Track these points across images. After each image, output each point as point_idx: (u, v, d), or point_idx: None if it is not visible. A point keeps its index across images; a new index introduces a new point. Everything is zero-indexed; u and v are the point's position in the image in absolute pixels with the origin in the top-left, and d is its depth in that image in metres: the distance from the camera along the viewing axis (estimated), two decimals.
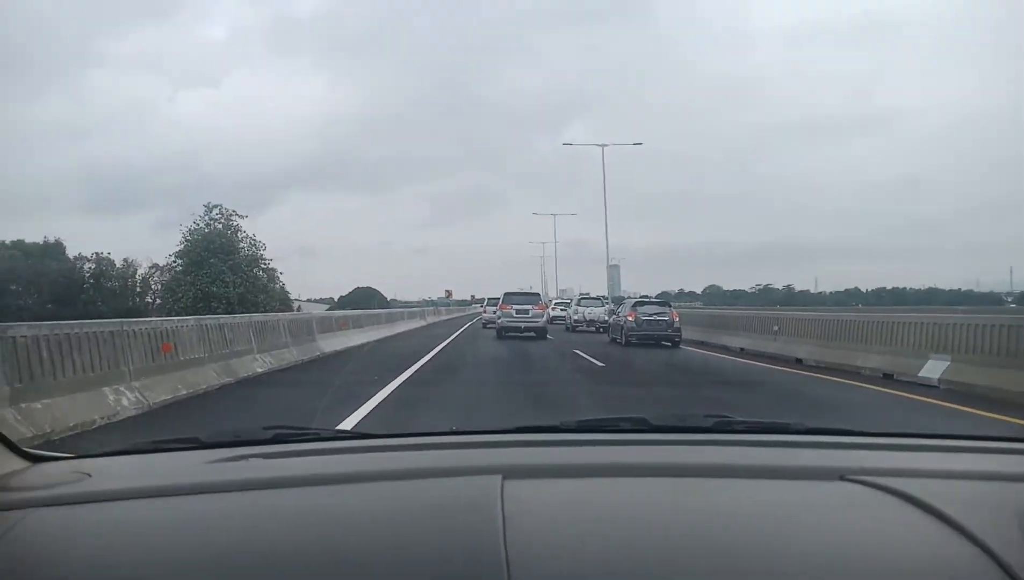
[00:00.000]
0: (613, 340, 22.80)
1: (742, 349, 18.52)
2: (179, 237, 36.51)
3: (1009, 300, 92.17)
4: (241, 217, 38.36)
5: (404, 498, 1.27)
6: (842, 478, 1.31)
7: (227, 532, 1.13)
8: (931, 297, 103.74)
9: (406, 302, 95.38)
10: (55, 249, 52.49)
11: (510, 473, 1.30)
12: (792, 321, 17.12)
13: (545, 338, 23.76)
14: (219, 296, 34.27)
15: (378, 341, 22.04)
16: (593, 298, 35.53)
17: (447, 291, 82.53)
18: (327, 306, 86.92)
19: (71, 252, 50.55)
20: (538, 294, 29.08)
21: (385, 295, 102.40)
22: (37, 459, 1.54)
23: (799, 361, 15.30)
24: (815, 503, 1.24)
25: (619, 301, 32.31)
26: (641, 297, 26.40)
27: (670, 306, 22.22)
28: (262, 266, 38.23)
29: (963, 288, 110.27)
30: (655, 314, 21.09)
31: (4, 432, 1.49)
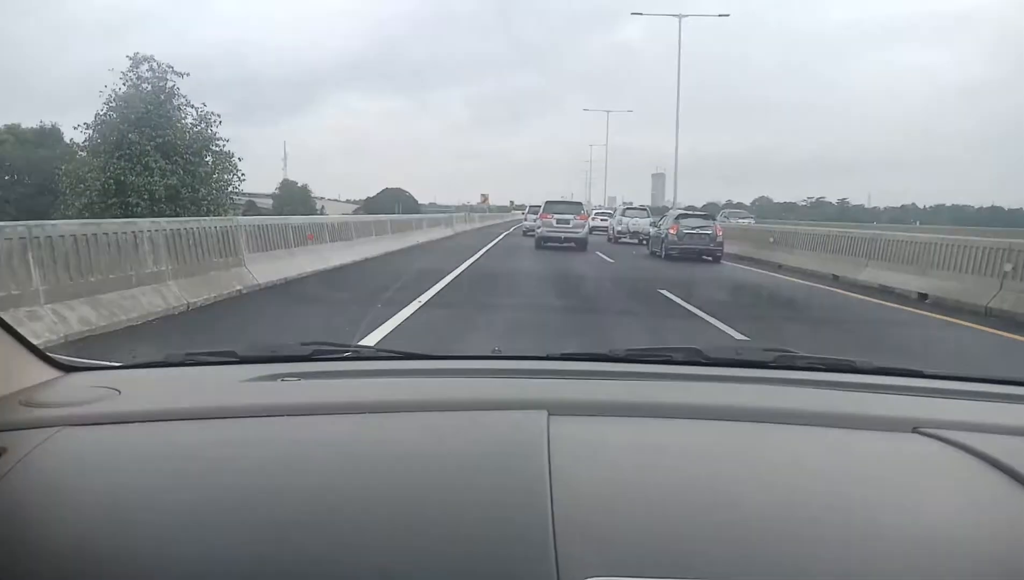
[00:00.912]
0: (653, 253, 22.71)
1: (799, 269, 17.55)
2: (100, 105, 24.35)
3: None
4: (180, 75, 25.85)
5: (447, 430, 1.23)
6: (915, 430, 1.23)
7: (261, 460, 1.11)
8: (994, 215, 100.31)
9: (444, 206, 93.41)
10: (51, 135, 48.73)
11: (556, 409, 1.27)
12: (849, 239, 16.46)
13: (585, 250, 23.22)
14: (139, 188, 23.55)
15: (361, 261, 16.07)
16: (637, 209, 34.90)
17: (483, 196, 75.30)
18: (354, 209, 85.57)
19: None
20: (580, 203, 28.11)
21: (417, 199, 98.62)
22: (68, 369, 1.52)
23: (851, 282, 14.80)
24: (887, 457, 1.17)
25: (660, 212, 31.73)
26: (686, 209, 26.04)
27: (714, 220, 21.94)
28: (212, 149, 26.28)
29: (1019, 207, 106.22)
30: (698, 228, 20.83)
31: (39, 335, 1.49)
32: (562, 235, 23.73)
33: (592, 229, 28.68)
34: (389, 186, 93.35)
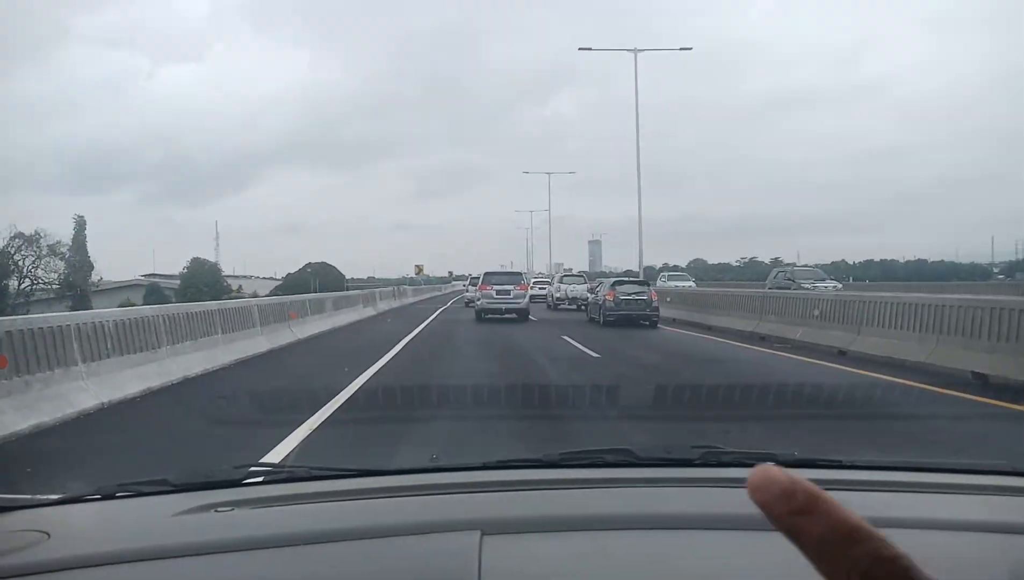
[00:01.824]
0: (591, 319, 23.19)
1: (738, 331, 17.82)
2: None
3: (996, 271, 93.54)
4: None
5: (381, 560, 1.26)
6: None
7: None
8: (919, 269, 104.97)
9: (384, 280, 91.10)
10: None
11: (490, 527, 1.30)
12: (782, 300, 16.97)
13: (525, 320, 23.05)
14: None
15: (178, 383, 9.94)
16: (575, 275, 36.20)
17: (417, 266, 65.20)
18: (274, 286, 78.73)
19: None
20: (520, 273, 27.59)
21: (355, 273, 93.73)
22: None
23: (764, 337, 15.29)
24: (803, 560, 1.21)
25: (597, 278, 32.24)
26: (625, 273, 26.68)
27: (649, 285, 22.64)
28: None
29: (945, 259, 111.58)
30: (634, 294, 21.43)
31: None
32: (502, 306, 23.40)
33: (532, 297, 28.87)
34: (324, 261, 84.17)
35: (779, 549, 1.18)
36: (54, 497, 1.63)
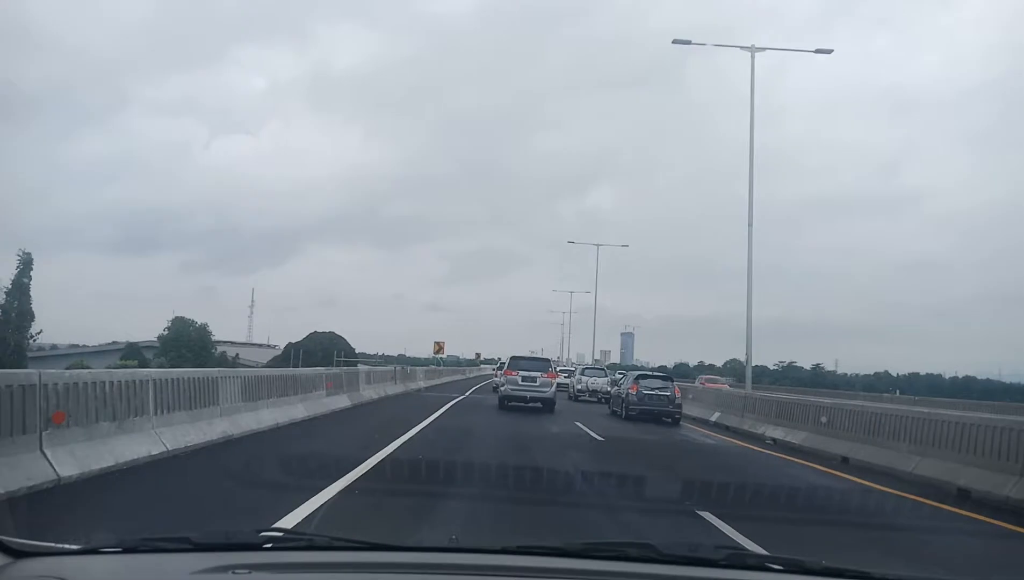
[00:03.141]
0: (613, 412, 23.04)
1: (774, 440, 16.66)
2: None
3: None
4: None
5: None
6: None
7: None
8: (968, 385, 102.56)
9: (412, 358, 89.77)
10: None
11: None
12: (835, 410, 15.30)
13: (552, 411, 21.62)
14: None
15: None
16: (596, 368, 38.07)
17: (437, 344, 47.03)
18: (272, 357, 72.84)
19: None
20: (548, 360, 26.65)
21: (382, 351, 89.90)
22: (19, 554, 1.53)
23: (845, 460, 13.56)
24: None
25: (615, 370, 32.63)
26: (657, 369, 26.63)
27: (672, 381, 22.55)
28: None
29: (991, 377, 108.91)
30: (657, 389, 21.38)
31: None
32: (527, 394, 22.28)
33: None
34: (334, 333, 72.88)
35: None
36: (76, 547, 1.64)
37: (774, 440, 16.59)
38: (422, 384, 33.24)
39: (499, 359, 39.96)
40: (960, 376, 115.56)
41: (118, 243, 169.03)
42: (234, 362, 52.19)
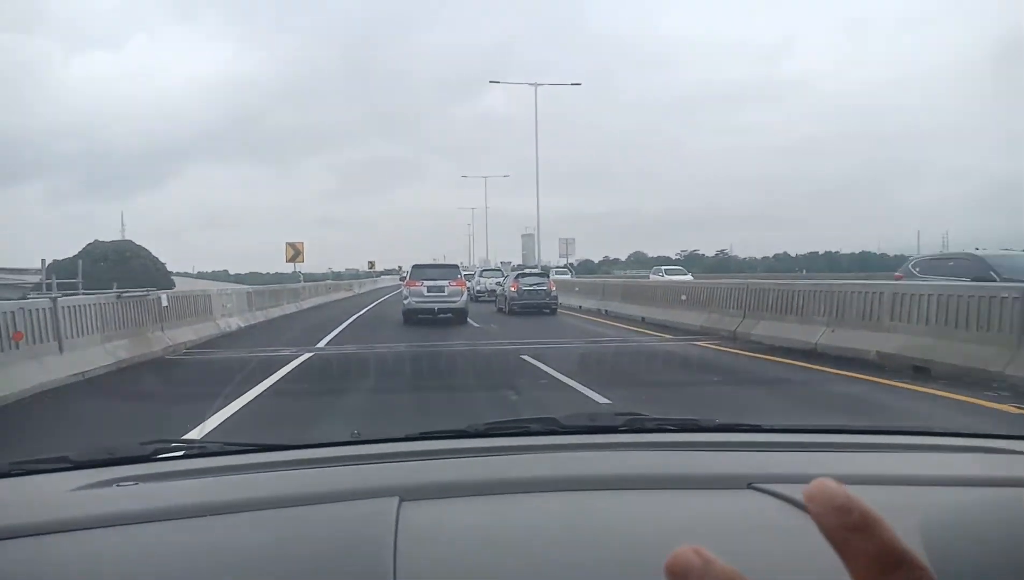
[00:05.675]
0: (499, 310, 25.90)
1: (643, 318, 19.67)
2: None
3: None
4: None
5: (295, 528, 1.24)
6: (750, 486, 1.33)
7: (91, 576, 1.11)
8: (864, 260, 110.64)
9: (310, 275, 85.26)
10: None
11: (409, 494, 1.31)
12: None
13: (464, 322, 20.32)
14: None
15: None
16: (493, 269, 40.09)
17: (291, 247, 33.44)
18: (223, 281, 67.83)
19: None
20: (455, 265, 24.06)
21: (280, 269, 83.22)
22: None
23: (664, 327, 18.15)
24: (720, 516, 1.27)
25: (514, 268, 35.33)
26: (564, 266, 29.59)
27: (547, 277, 25.82)
28: None
29: (875, 252, 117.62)
30: (535, 285, 24.40)
31: None
32: (435, 306, 20.40)
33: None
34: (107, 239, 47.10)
35: (695, 507, 1.37)
36: None
37: (643, 318, 20.25)
38: (317, 298, 30.21)
39: (400, 269, 37.59)
40: (856, 252, 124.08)
41: None
42: None
